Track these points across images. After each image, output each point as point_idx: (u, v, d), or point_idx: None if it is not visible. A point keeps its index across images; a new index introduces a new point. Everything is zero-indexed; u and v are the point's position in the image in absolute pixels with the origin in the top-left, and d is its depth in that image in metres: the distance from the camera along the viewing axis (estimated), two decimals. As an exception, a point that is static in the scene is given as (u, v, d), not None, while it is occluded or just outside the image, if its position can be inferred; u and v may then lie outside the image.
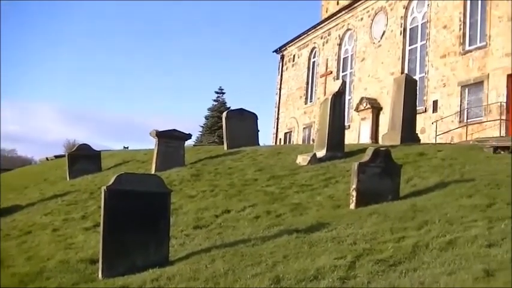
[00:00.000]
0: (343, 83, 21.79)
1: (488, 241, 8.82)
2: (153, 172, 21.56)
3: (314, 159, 19.53)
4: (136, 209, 10.59)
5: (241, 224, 13.07)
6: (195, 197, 16.91)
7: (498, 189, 12.60)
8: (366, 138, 38.62)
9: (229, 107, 64.41)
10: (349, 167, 15.13)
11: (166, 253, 10.76)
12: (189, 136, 24.13)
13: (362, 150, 17.17)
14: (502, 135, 27.55)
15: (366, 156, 13.67)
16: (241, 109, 27.67)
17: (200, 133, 74.75)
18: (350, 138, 39.73)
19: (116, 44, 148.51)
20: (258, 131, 28.74)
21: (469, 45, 32.79)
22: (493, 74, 30.11)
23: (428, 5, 36.63)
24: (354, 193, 13.09)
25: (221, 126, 28.68)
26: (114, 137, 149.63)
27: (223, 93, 77.24)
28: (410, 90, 23.08)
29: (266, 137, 56.82)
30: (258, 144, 27.60)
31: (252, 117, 27.72)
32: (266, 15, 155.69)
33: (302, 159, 19.80)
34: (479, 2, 32.67)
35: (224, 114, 27.77)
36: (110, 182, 10.53)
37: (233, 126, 26.74)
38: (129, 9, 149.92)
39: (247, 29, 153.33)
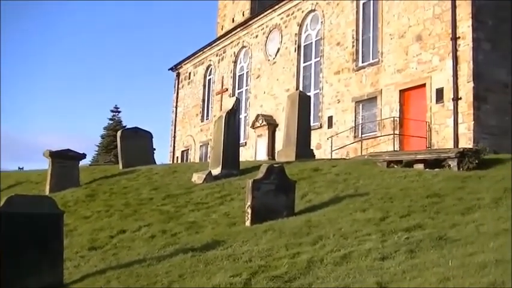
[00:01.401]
0: (237, 101, 21.85)
1: (381, 254, 8.95)
2: (47, 193, 21.20)
3: (209, 177, 19.53)
4: (29, 232, 10.35)
5: (136, 244, 12.95)
6: (90, 218, 16.70)
7: (391, 203, 12.84)
8: (262, 155, 38.76)
9: (125, 126, 63.86)
10: (244, 184, 15.17)
11: (61, 276, 10.56)
12: (83, 156, 23.83)
13: (257, 167, 17.26)
14: (395, 149, 28.07)
15: (260, 173, 13.75)
16: (136, 128, 27.51)
17: (96, 152, 73.82)
18: (247, 155, 39.85)
19: (8, 59, 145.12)
20: (154, 149, 28.63)
21: (362, 61, 33.31)
22: (386, 89, 30.67)
23: (321, 22, 37.10)
24: (249, 210, 13.13)
25: (117, 145, 28.35)
26: (8, 157, 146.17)
27: (119, 111, 76.48)
28: (304, 106, 23.34)
29: (163, 156, 56.51)
30: (154, 163, 27.48)
31: (147, 136, 27.59)
32: (162, 33, 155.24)
33: (197, 178, 19.78)
34: (371, 19, 33.27)
35: (119, 133, 27.59)
36: (0, 205, 10.26)
37: (128, 145, 26.54)
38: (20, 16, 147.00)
39: (143, 46, 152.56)
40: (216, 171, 20.13)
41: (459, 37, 26.94)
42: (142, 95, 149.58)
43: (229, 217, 14.30)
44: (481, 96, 26.28)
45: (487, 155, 17.75)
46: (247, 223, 13.05)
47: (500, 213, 11.04)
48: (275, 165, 14.33)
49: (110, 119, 75.90)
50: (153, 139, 28.04)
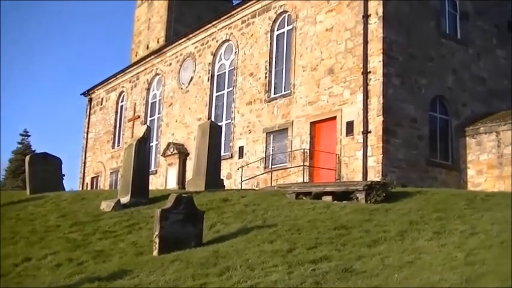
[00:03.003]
0: (148, 129, 21.76)
1: (287, 286, 9.01)
2: (-51, 218, 20.61)
3: (118, 205, 19.33)
4: None
5: (42, 273, 12.72)
6: (-6, 245, 16.30)
7: (299, 234, 12.92)
8: (173, 184, 38.60)
9: (35, 151, 62.80)
10: (153, 213, 15.05)
11: (-40, 304, 10.30)
12: (-11, 180, 23.32)
13: (167, 196, 17.16)
14: (305, 181, 28.32)
15: (169, 203, 13.73)
16: (45, 153, 27.09)
17: (3, 177, 72.25)
18: (157, 183, 39.67)
19: None
20: (63, 175, 28.21)
21: (274, 93, 33.58)
22: (297, 121, 30.95)
23: (235, 52, 37.32)
24: (157, 240, 13.07)
25: (25, 170, 27.82)
26: None
27: (29, 135, 75.02)
28: (214, 136, 23.35)
29: (73, 182, 55.65)
30: (63, 189, 27.06)
31: (56, 162, 27.18)
32: (75, 57, 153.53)
33: (106, 205, 19.55)
34: (285, 51, 33.64)
35: (27, 158, 27.09)
36: None
37: (36, 170, 26.07)
38: None
39: (55, 70, 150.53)
40: (125, 199, 19.95)
41: (370, 72, 27.45)
42: (53, 120, 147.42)
43: (137, 246, 14.19)
44: (390, 130, 26.80)
45: (395, 188, 18.04)
46: (155, 253, 12.97)
47: (405, 245, 11.24)
48: (184, 195, 14.33)
49: (19, 143, 74.43)
50: (62, 165, 27.66)
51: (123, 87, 50.85)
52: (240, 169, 32.98)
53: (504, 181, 27.23)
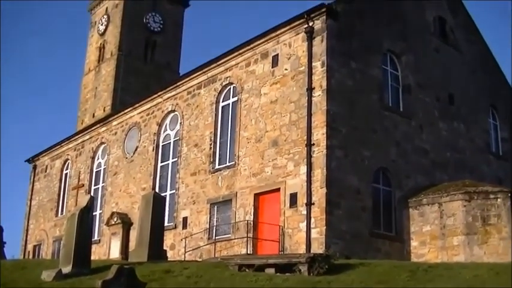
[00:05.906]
0: (91, 199, 21.66)
1: None
2: None
3: (59, 275, 19.09)
4: None
5: None
6: None
7: (240, 307, 12.89)
8: (116, 254, 38.16)
9: (-25, 219, 61.89)
10: (94, 284, 14.90)
11: None
12: None
13: (109, 266, 16.97)
14: (249, 252, 28.24)
15: (110, 274, 13.64)
16: (-15, 221, 26.83)
17: None
18: (100, 252, 39.26)
19: None
20: (4, 243, 27.85)
21: (219, 164, 33.64)
22: (241, 192, 30.94)
23: (180, 123, 37.37)
24: (98, 312, 12.95)
25: (-36, 239, 27.48)
26: None
27: (-31, 203, 74.08)
28: (158, 207, 23.35)
29: (15, 249, 54.58)
30: (4, 257, 26.71)
31: (-2, 230, 26.90)
32: (20, 123, 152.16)
33: (47, 275, 19.29)
34: (230, 123, 33.79)
35: (-33, 226, 26.74)
36: None
37: (-23, 238, 25.76)
38: None
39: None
40: (67, 269, 19.72)
41: (314, 144, 27.64)
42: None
43: (76, 318, 14.03)
44: (334, 201, 26.91)
45: (338, 260, 18.14)
46: (94, 325, 12.84)
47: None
48: (125, 266, 14.25)
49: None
50: (3, 232, 27.35)
51: (68, 155, 50.50)
52: (184, 240, 32.77)
53: (447, 252, 27.52)
